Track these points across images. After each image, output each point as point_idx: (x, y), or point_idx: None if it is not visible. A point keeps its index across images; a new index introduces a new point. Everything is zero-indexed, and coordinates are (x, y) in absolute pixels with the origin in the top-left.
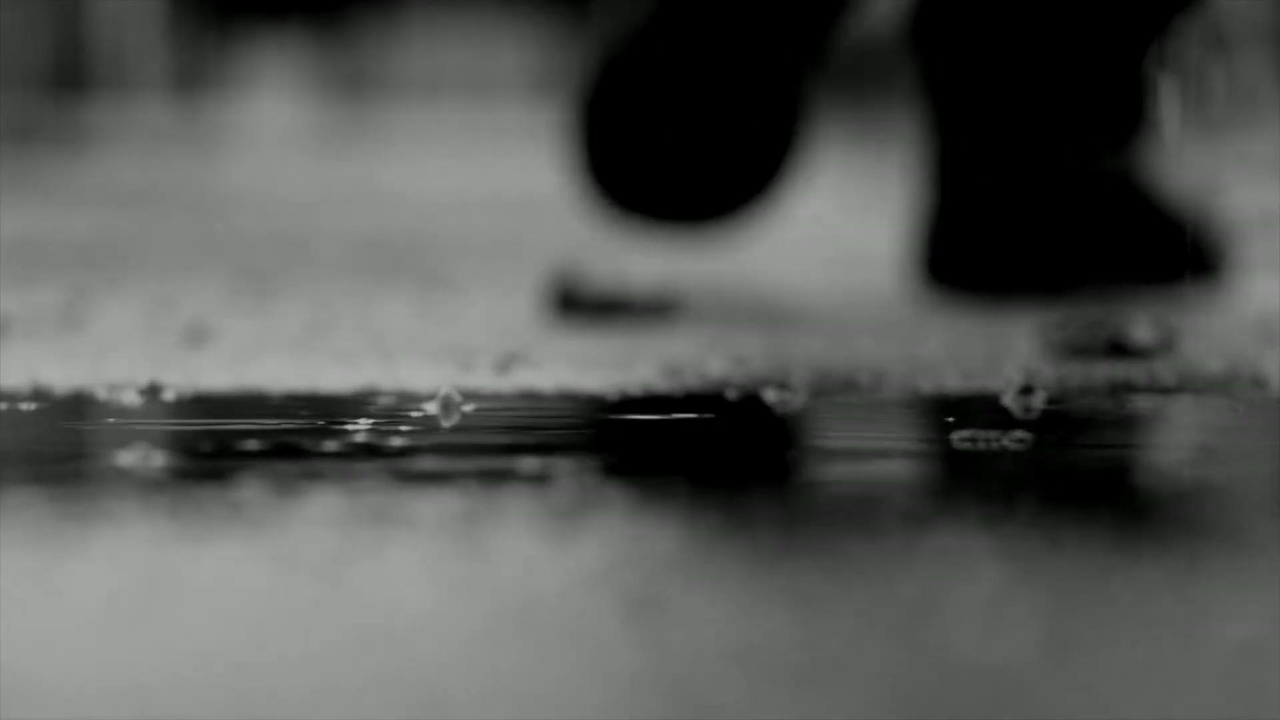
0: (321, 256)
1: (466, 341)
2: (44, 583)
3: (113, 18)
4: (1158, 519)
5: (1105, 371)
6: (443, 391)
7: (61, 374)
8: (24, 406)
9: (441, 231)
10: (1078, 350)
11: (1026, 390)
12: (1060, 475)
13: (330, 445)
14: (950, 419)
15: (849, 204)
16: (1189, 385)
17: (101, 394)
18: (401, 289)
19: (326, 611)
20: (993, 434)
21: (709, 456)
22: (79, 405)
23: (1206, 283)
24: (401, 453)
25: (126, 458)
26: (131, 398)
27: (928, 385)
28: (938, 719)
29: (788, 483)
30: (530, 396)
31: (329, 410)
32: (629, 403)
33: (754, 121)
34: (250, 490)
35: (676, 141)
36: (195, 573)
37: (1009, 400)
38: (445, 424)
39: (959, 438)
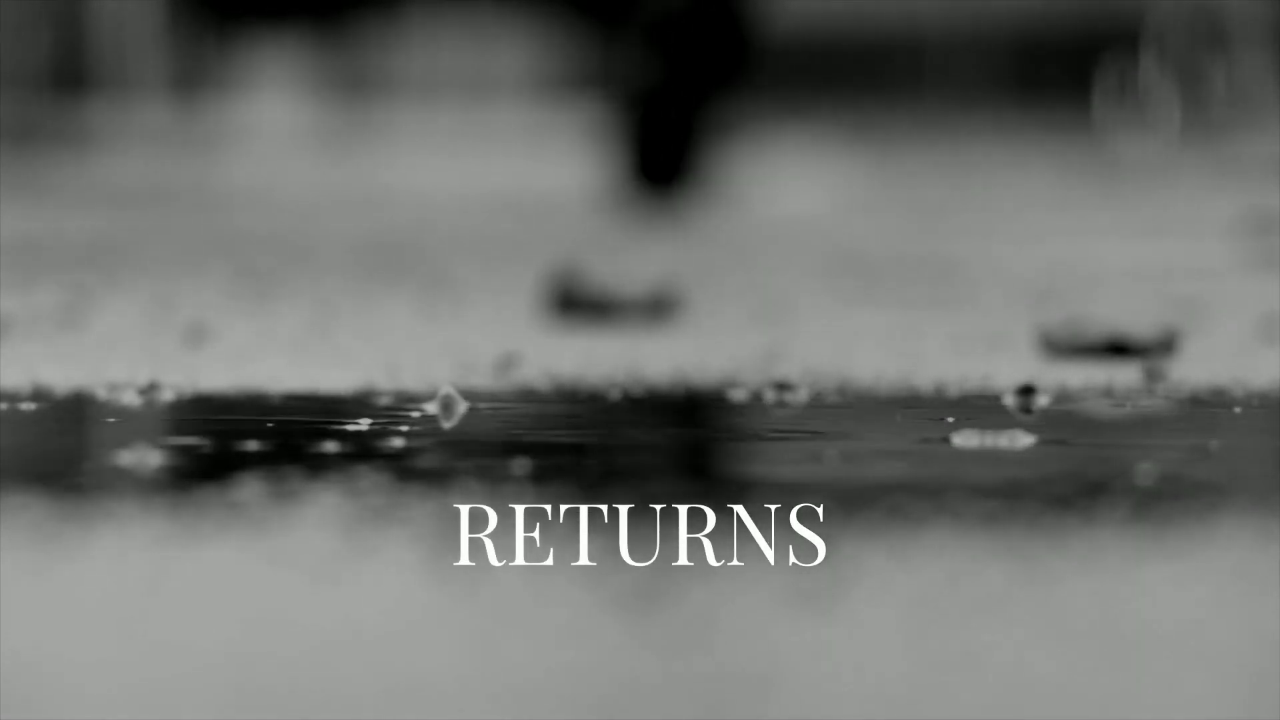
0: (321, 256)
1: (466, 341)
2: (44, 583)
3: (113, 18)
4: (1157, 519)
5: (1105, 371)
6: (443, 391)
7: (61, 374)
8: (24, 406)
9: (441, 231)
10: (1078, 350)
11: (1026, 390)
12: (1060, 475)
13: (330, 445)
14: (950, 419)
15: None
16: (1188, 386)
17: (101, 394)
18: (401, 289)
19: (326, 611)
20: (993, 434)
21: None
22: (79, 405)
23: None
24: (401, 453)
25: (126, 458)
26: (131, 398)
27: (927, 385)
28: (939, 718)
29: (788, 481)
30: (530, 397)
31: (329, 410)
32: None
33: None
34: (250, 490)
35: None
36: (195, 573)
37: (1009, 400)
38: (445, 424)
39: (960, 438)
